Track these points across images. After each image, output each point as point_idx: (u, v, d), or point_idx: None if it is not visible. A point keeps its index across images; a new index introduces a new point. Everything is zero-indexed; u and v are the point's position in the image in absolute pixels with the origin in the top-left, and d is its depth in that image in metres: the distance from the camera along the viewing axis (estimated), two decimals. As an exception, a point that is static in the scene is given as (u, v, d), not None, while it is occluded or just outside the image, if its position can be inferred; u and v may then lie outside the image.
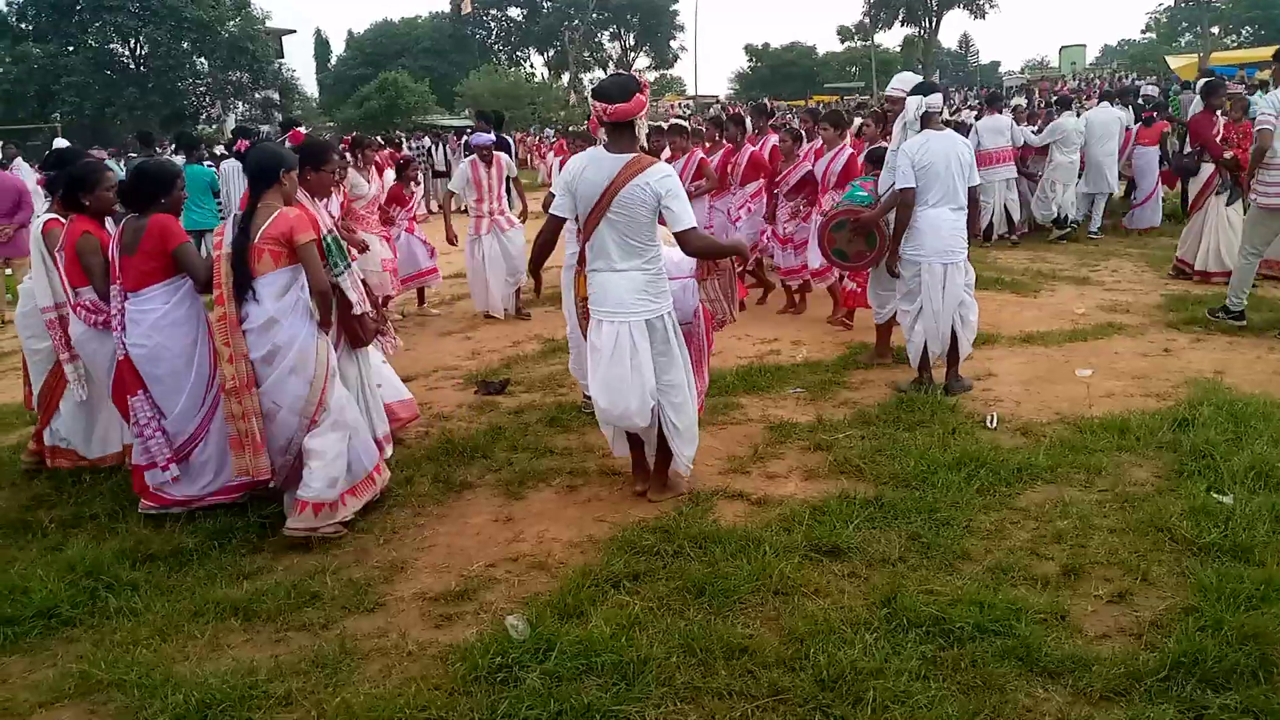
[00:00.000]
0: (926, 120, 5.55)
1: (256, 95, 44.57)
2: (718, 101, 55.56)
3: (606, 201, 3.92)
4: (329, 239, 4.31)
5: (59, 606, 3.56)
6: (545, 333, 7.99)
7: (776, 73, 70.05)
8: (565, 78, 59.75)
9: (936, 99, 5.58)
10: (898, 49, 66.67)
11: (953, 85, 49.99)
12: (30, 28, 40.70)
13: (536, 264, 4.41)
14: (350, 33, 65.75)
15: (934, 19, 56.01)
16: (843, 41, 67.42)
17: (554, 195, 4.14)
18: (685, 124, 8.85)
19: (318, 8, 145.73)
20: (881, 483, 4.38)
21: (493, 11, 67.62)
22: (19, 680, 3.18)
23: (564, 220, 4.12)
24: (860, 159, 7.11)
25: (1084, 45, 65.13)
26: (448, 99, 50.04)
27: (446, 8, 65.09)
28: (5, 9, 40.84)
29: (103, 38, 41.05)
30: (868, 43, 60.14)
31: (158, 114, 40.12)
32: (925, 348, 5.66)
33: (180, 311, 4.34)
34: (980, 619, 3.11)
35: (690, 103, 53.13)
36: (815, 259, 7.37)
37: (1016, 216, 11.24)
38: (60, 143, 13.09)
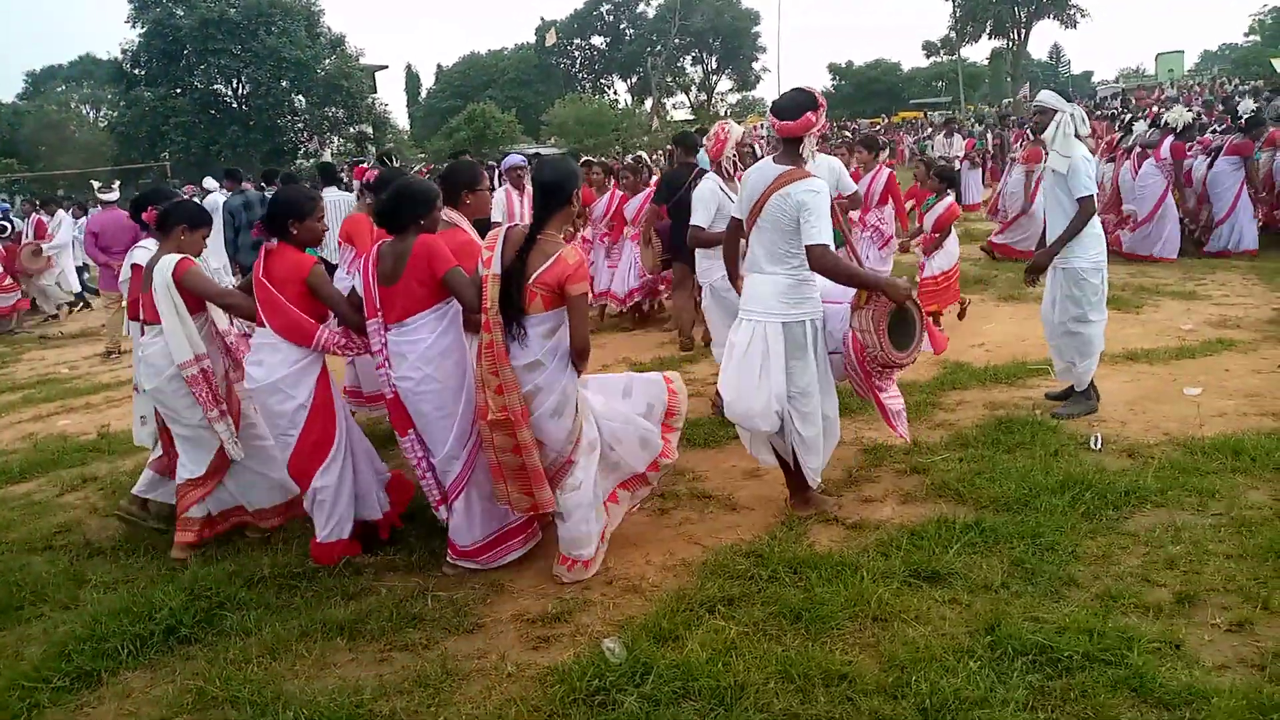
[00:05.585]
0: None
1: (351, 130, 46.07)
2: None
3: (759, 208, 4.11)
4: None
5: (180, 625, 3.70)
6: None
7: (861, 90, 69.50)
8: (648, 103, 60.22)
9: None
10: (985, 62, 65.45)
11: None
12: (142, 73, 42.99)
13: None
14: (439, 66, 67.71)
15: (1023, 30, 54.62)
16: (928, 57, 66.55)
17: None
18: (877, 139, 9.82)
19: (408, 44, 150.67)
20: (981, 507, 4.28)
21: (576, 41, 68.79)
22: (141, 695, 3.33)
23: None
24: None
25: (1182, 51, 63.40)
26: (534, 128, 50.96)
27: (532, 39, 66.54)
28: (120, 56, 43.25)
29: (208, 79, 43.00)
30: (954, 57, 59.14)
31: (259, 150, 41.83)
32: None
33: (447, 340, 4.01)
34: (1090, 648, 3.01)
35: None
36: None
37: None
38: (210, 183, 13.52)
